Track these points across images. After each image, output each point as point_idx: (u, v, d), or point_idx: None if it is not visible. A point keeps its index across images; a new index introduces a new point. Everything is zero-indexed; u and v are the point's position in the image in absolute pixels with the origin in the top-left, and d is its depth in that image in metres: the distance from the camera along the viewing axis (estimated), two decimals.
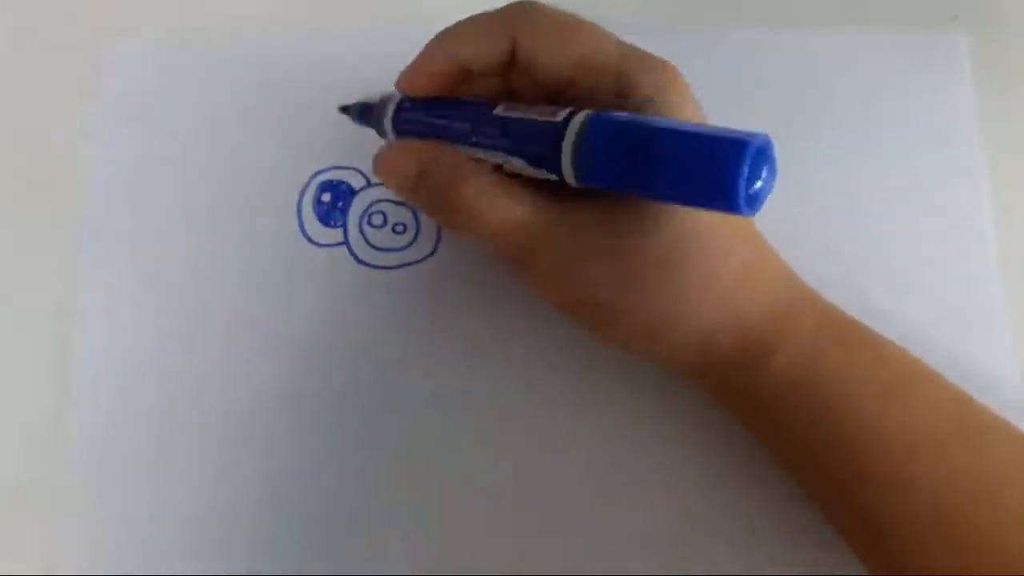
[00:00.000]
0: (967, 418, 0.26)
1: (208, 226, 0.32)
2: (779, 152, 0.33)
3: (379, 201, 0.32)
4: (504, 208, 0.25)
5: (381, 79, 0.32)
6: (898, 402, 0.25)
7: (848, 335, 0.27)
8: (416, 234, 0.32)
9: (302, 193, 0.32)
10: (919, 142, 0.34)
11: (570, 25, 0.25)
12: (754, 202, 0.20)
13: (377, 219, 0.32)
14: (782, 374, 0.26)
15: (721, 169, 0.20)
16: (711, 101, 0.33)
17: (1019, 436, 0.26)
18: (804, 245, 0.32)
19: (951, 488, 0.24)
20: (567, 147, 0.23)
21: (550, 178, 0.24)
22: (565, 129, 0.23)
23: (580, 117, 0.23)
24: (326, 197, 0.32)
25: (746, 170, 0.19)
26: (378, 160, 0.27)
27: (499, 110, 0.25)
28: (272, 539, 0.30)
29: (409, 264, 0.32)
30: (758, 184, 0.20)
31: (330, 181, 0.33)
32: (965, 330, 0.32)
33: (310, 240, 0.32)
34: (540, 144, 0.24)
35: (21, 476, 0.31)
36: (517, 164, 0.24)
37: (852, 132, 0.34)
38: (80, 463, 0.30)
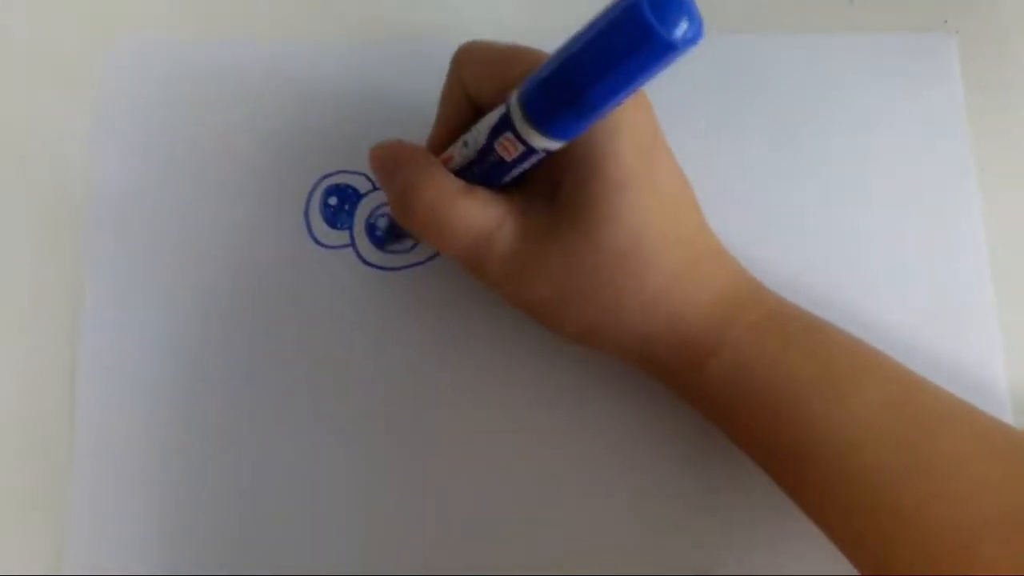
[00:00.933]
0: (921, 408, 0.26)
1: (215, 228, 0.33)
2: (771, 154, 0.33)
3: (384, 204, 0.33)
4: (463, 207, 0.26)
5: (386, 87, 0.33)
6: (844, 398, 0.25)
7: (792, 332, 0.27)
8: None
9: (310, 196, 0.33)
10: (909, 143, 0.34)
11: (503, 52, 0.26)
12: (673, 27, 0.20)
13: (383, 221, 0.33)
14: (720, 376, 0.26)
15: (624, 15, 0.20)
16: (704, 105, 0.34)
17: (978, 422, 0.26)
18: (794, 246, 0.32)
19: (901, 481, 0.24)
20: (516, 115, 0.24)
21: (528, 148, 0.24)
22: (509, 107, 0.24)
23: (514, 94, 0.24)
24: (333, 200, 0.33)
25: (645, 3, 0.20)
26: (370, 153, 0.29)
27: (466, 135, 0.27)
28: (273, 539, 0.30)
29: (414, 265, 0.32)
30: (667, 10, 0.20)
31: (337, 184, 0.33)
32: (955, 330, 0.32)
33: (317, 242, 0.33)
34: (501, 126, 0.24)
35: (25, 477, 0.31)
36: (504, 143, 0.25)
37: (843, 133, 0.34)
38: (84, 464, 0.30)
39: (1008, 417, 0.31)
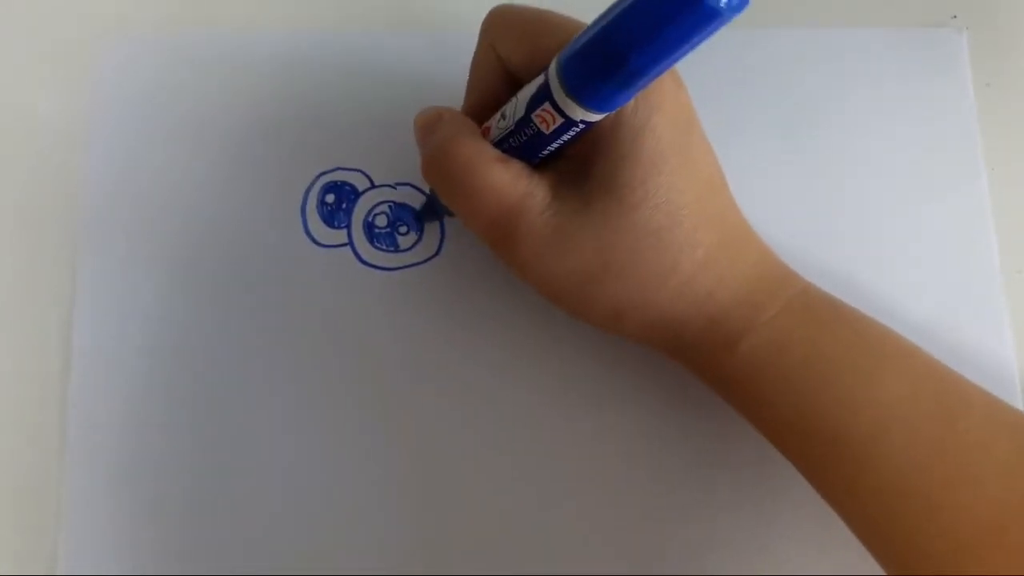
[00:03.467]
0: (946, 394, 0.26)
1: (211, 227, 0.32)
2: (780, 149, 0.33)
3: (383, 203, 0.32)
4: (497, 173, 0.26)
5: (386, 82, 0.33)
6: (874, 381, 0.25)
7: (822, 314, 0.27)
8: (420, 236, 0.32)
9: (306, 194, 0.33)
10: (919, 139, 0.34)
11: (535, 19, 0.26)
12: None
13: (381, 220, 0.32)
14: (751, 357, 0.26)
15: None
16: (711, 101, 0.33)
17: (1001, 411, 0.26)
18: (804, 242, 0.32)
19: (928, 464, 0.24)
20: (555, 85, 0.23)
21: (565, 119, 0.24)
22: (547, 77, 0.24)
23: (552, 64, 0.24)
24: (330, 198, 0.33)
25: None
26: (415, 118, 0.28)
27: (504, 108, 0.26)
28: (272, 539, 0.30)
29: (412, 265, 0.32)
30: None
31: (334, 182, 0.33)
32: (966, 325, 0.32)
33: (314, 241, 0.32)
34: (540, 97, 0.24)
35: (22, 476, 0.30)
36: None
37: (851, 129, 0.34)
38: (77, 464, 0.30)
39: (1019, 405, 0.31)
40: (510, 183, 0.26)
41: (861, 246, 0.33)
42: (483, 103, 0.28)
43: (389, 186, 0.33)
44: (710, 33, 0.20)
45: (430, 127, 0.28)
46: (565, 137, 0.25)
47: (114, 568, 0.30)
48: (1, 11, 0.34)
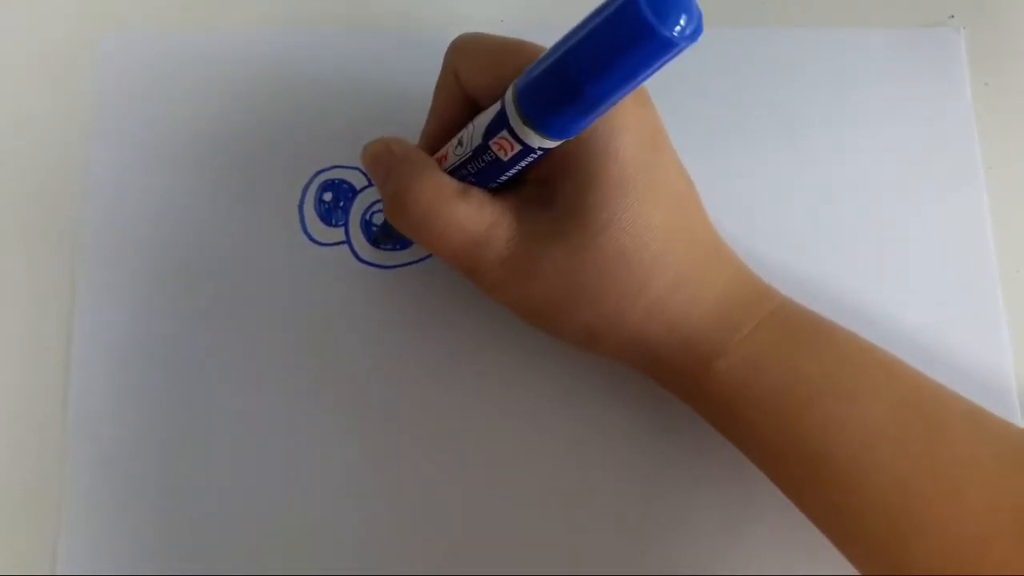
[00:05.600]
0: (929, 409, 0.26)
1: (209, 225, 0.32)
2: (776, 150, 0.33)
3: (380, 200, 0.32)
4: (461, 210, 0.26)
5: (385, 81, 0.33)
6: (856, 399, 0.25)
7: (800, 331, 0.27)
8: None
9: (304, 192, 0.32)
10: (916, 139, 0.34)
11: (498, 47, 0.26)
12: (672, 23, 0.19)
13: (378, 218, 0.32)
14: (728, 377, 0.26)
15: (620, 11, 0.19)
16: (708, 100, 0.34)
17: (983, 422, 0.26)
18: (798, 245, 0.32)
19: (912, 481, 0.24)
20: (512, 113, 0.23)
21: (524, 147, 0.24)
22: (504, 105, 0.23)
23: (509, 91, 0.23)
24: (328, 196, 0.33)
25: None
26: (362, 151, 0.28)
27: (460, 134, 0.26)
28: (272, 538, 0.30)
29: (410, 263, 0.32)
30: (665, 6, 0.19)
31: (332, 180, 0.33)
32: (963, 329, 0.32)
33: (312, 239, 0.32)
34: (497, 125, 0.24)
35: (23, 476, 0.30)
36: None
37: (848, 129, 0.34)
38: (81, 464, 0.30)
39: (1017, 418, 0.31)
40: (474, 216, 0.26)
41: (859, 246, 0.33)
42: (444, 128, 0.28)
43: None
44: (664, 63, 0.20)
45: (382, 165, 0.27)
46: (524, 163, 0.24)
47: (114, 568, 0.30)
48: (0, 11, 0.34)
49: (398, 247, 0.32)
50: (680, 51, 0.19)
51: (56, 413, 0.31)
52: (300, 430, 0.31)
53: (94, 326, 0.31)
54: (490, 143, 0.24)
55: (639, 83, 0.21)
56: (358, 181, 0.33)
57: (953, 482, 0.24)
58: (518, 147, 0.24)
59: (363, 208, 0.32)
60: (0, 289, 0.32)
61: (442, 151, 0.27)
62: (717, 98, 0.34)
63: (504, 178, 0.26)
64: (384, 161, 0.27)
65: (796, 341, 0.26)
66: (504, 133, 0.23)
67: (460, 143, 0.26)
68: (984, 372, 0.32)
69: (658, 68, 0.20)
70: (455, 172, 0.26)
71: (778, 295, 0.28)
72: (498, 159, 0.24)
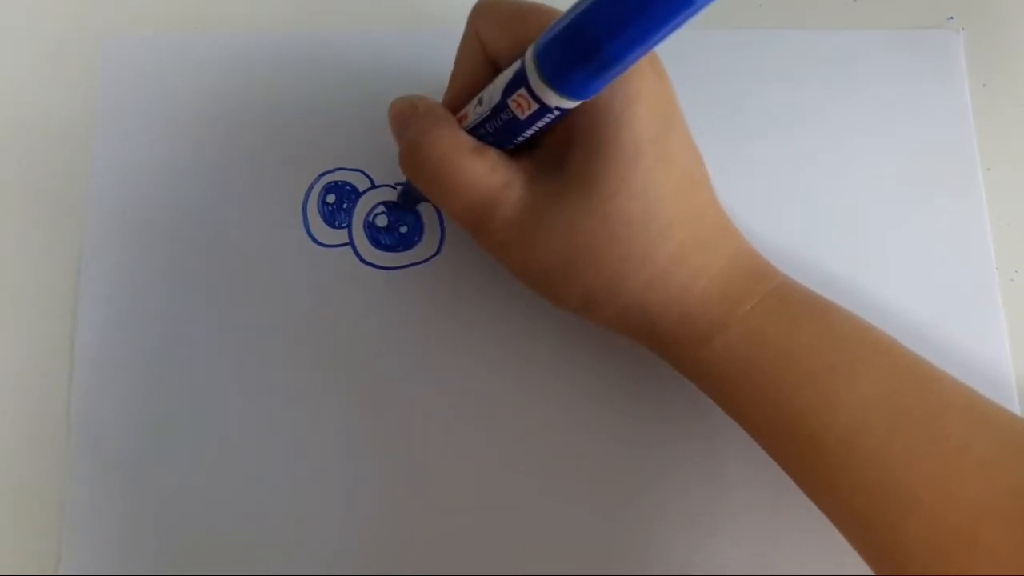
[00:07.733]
0: (926, 391, 0.26)
1: (212, 226, 0.32)
2: (776, 151, 0.33)
3: (383, 202, 0.33)
4: (474, 165, 0.26)
5: (389, 82, 0.33)
6: (853, 377, 0.25)
7: (799, 309, 0.27)
8: (420, 235, 0.32)
9: (307, 194, 0.33)
10: (915, 139, 0.34)
11: (520, 8, 0.26)
12: None
13: (381, 220, 0.33)
14: (726, 352, 0.26)
15: None
16: (707, 102, 0.34)
17: (982, 408, 0.26)
18: (797, 245, 0.32)
19: (907, 461, 0.24)
20: (531, 71, 0.23)
21: (541, 106, 0.24)
22: (524, 63, 0.24)
23: (529, 49, 0.24)
24: (331, 198, 0.33)
25: None
26: (390, 106, 0.28)
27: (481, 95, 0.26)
28: (272, 538, 0.30)
29: (413, 265, 0.32)
30: None
31: (335, 182, 0.33)
32: (962, 325, 0.32)
33: (315, 241, 0.32)
34: (516, 82, 0.24)
35: (25, 477, 0.31)
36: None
37: (847, 131, 0.34)
38: (83, 464, 0.30)
39: (1016, 410, 0.31)
40: (487, 174, 0.26)
41: (857, 246, 0.33)
42: (466, 91, 0.28)
43: (390, 186, 0.33)
44: (683, 21, 0.20)
45: (405, 119, 0.28)
46: (540, 123, 0.25)
47: (115, 568, 0.30)
48: (5, 11, 0.35)
49: (400, 247, 0.32)
50: (698, 10, 0.20)
51: (59, 413, 0.31)
52: (302, 431, 0.31)
53: (97, 327, 0.31)
54: (508, 101, 0.24)
55: (657, 42, 0.21)
56: (361, 183, 0.33)
57: (948, 466, 0.24)
58: (535, 106, 0.24)
59: (366, 210, 0.33)
60: (2, 290, 0.32)
61: (463, 111, 0.27)
62: (715, 100, 0.34)
63: (520, 139, 0.26)
64: (408, 115, 0.28)
65: (796, 319, 0.26)
66: (522, 91, 0.24)
67: (480, 102, 0.26)
68: (983, 371, 0.32)
69: (676, 27, 0.20)
70: (474, 131, 0.27)
71: (779, 273, 0.28)
72: (515, 117, 0.25)
